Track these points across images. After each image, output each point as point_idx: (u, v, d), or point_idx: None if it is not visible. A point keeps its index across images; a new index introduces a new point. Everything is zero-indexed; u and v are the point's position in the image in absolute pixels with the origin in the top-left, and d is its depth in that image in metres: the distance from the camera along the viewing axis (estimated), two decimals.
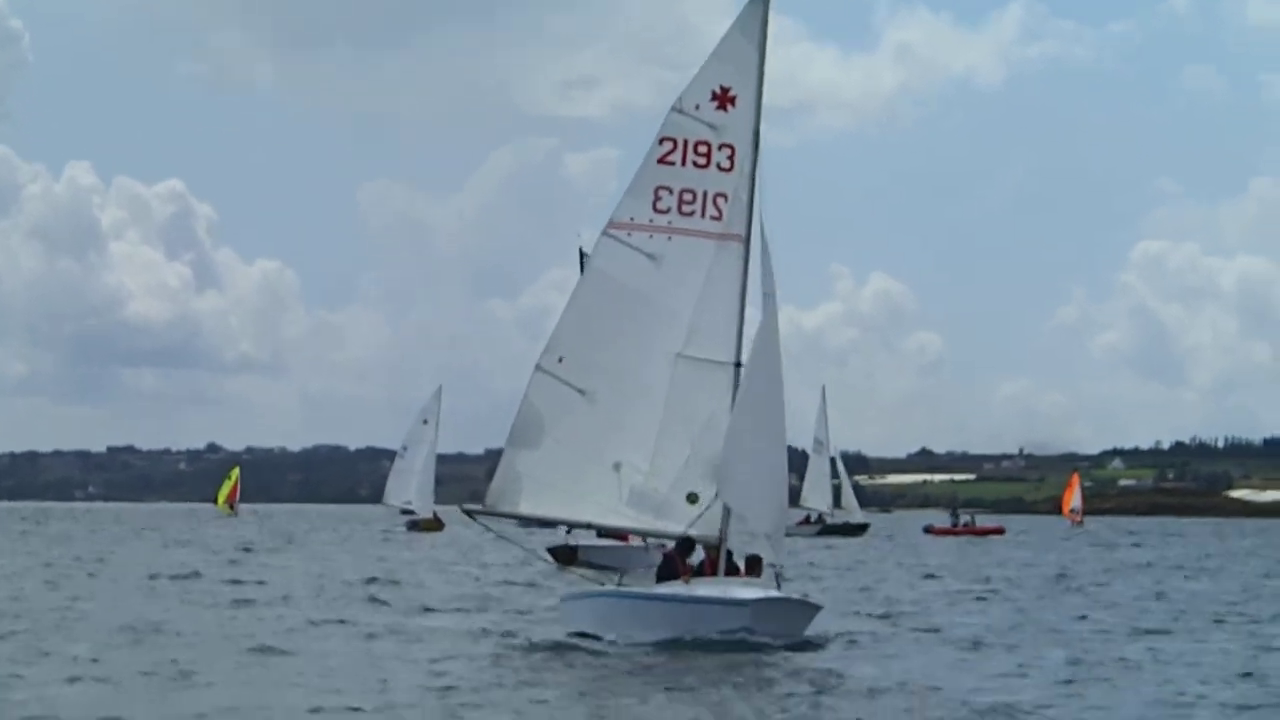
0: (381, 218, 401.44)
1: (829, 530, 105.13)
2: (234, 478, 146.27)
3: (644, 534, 31.12)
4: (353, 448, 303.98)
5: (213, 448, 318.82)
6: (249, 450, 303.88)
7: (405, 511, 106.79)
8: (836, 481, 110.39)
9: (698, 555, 29.50)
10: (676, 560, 29.28)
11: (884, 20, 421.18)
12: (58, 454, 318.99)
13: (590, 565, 55.18)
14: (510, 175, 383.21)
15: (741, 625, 27.24)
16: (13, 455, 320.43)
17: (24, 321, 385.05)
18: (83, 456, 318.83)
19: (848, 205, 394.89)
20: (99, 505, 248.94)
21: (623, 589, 29.82)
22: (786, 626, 27.63)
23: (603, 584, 30.89)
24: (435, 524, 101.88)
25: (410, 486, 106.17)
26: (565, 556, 56.35)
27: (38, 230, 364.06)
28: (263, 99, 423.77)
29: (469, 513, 31.10)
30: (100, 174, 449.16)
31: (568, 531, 56.10)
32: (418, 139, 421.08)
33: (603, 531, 56.49)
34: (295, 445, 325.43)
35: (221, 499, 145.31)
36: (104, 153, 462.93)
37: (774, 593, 27.96)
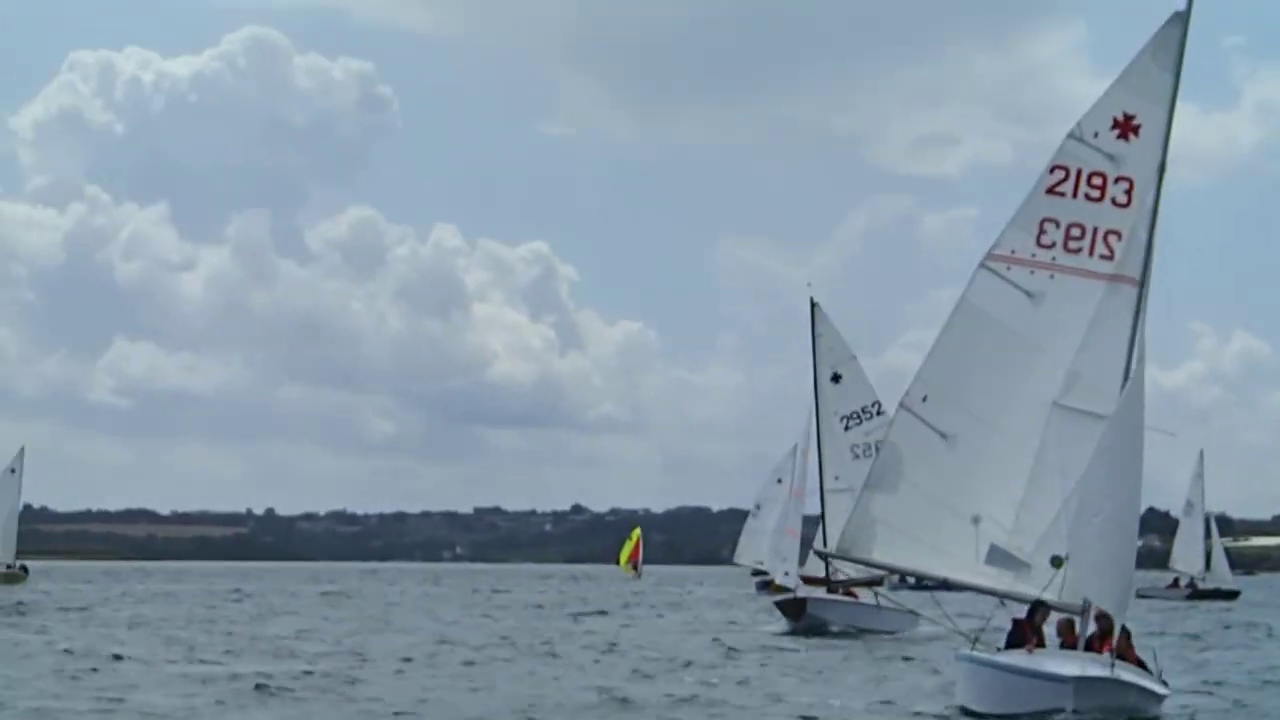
0: (738, 275, 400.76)
1: (1199, 595, 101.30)
2: (635, 538, 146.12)
3: (1001, 596, 28.61)
4: (715, 509, 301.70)
5: (577, 509, 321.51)
6: (613, 511, 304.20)
7: (757, 573, 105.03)
8: (1207, 544, 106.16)
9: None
10: (1025, 627, 26.89)
11: (1243, 77, 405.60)
12: (425, 515, 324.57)
13: (818, 622, 52.98)
14: (866, 233, 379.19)
15: (1061, 705, 24.55)
16: (381, 516, 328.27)
17: (391, 382, 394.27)
18: (450, 517, 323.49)
19: (1209, 262, 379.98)
20: (468, 566, 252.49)
21: (968, 653, 27.46)
22: (1116, 709, 24.83)
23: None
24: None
25: (762, 547, 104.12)
26: (794, 611, 54.36)
27: (404, 292, 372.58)
28: (621, 158, 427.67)
29: (821, 555, 29.29)
30: (465, 236, 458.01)
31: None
32: (769, 193, 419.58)
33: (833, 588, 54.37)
34: (658, 506, 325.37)
35: (624, 559, 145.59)
36: (468, 215, 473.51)
37: (1102, 671, 25.05)
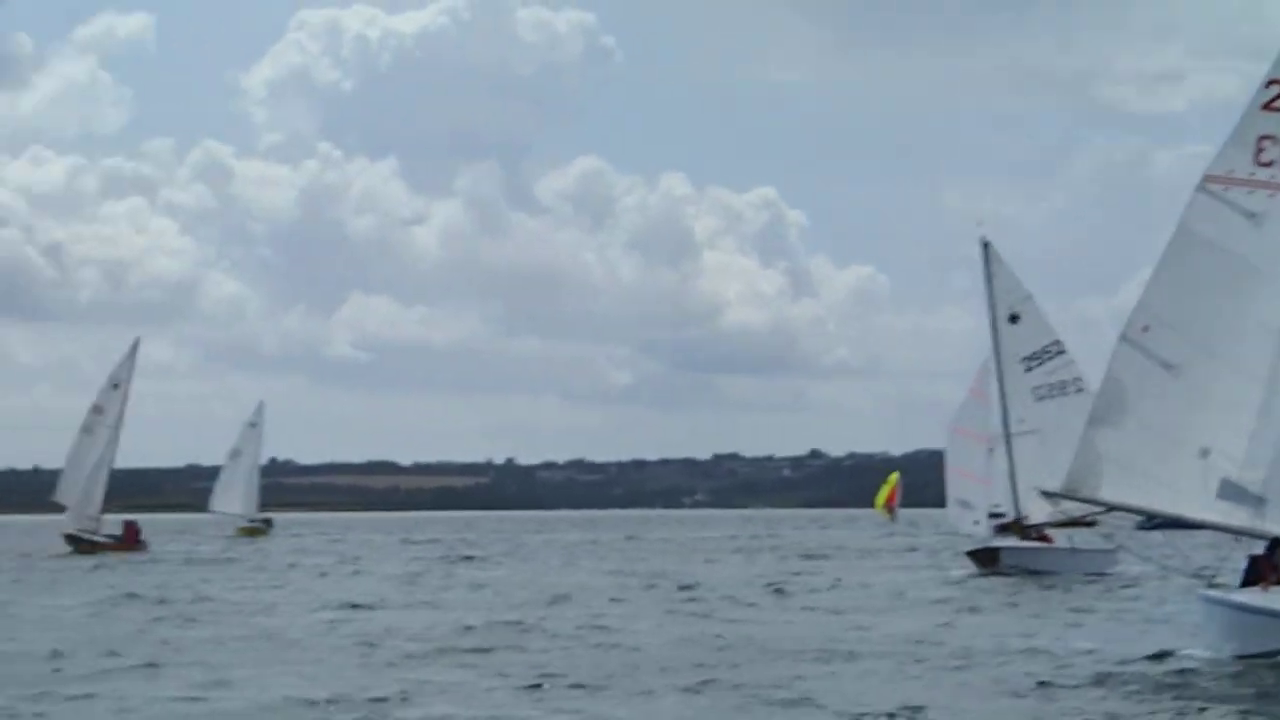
0: (964, 217, 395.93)
1: None
2: (892, 481, 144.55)
3: (1236, 532, 27.51)
4: None
5: (815, 454, 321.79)
6: (850, 456, 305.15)
7: (994, 515, 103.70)
8: None
9: None
10: (1263, 564, 25.86)
11: None
12: (664, 462, 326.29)
13: (1012, 569, 51.67)
14: (1097, 172, 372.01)
15: None
16: (620, 464, 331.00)
17: (627, 332, 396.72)
18: (689, 464, 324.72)
19: None
20: (707, 513, 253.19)
21: (1209, 594, 26.50)
22: None
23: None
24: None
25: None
26: (987, 560, 53.21)
27: (635, 241, 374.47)
28: (847, 102, 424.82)
29: (1048, 495, 28.47)
30: (693, 184, 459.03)
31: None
32: (997, 135, 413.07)
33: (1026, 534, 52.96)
34: (896, 449, 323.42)
35: (880, 502, 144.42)
36: (696, 163, 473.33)
37: None
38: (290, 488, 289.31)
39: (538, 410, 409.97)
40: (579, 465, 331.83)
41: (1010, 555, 52.91)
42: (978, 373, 56.59)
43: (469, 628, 32.76)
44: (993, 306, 55.10)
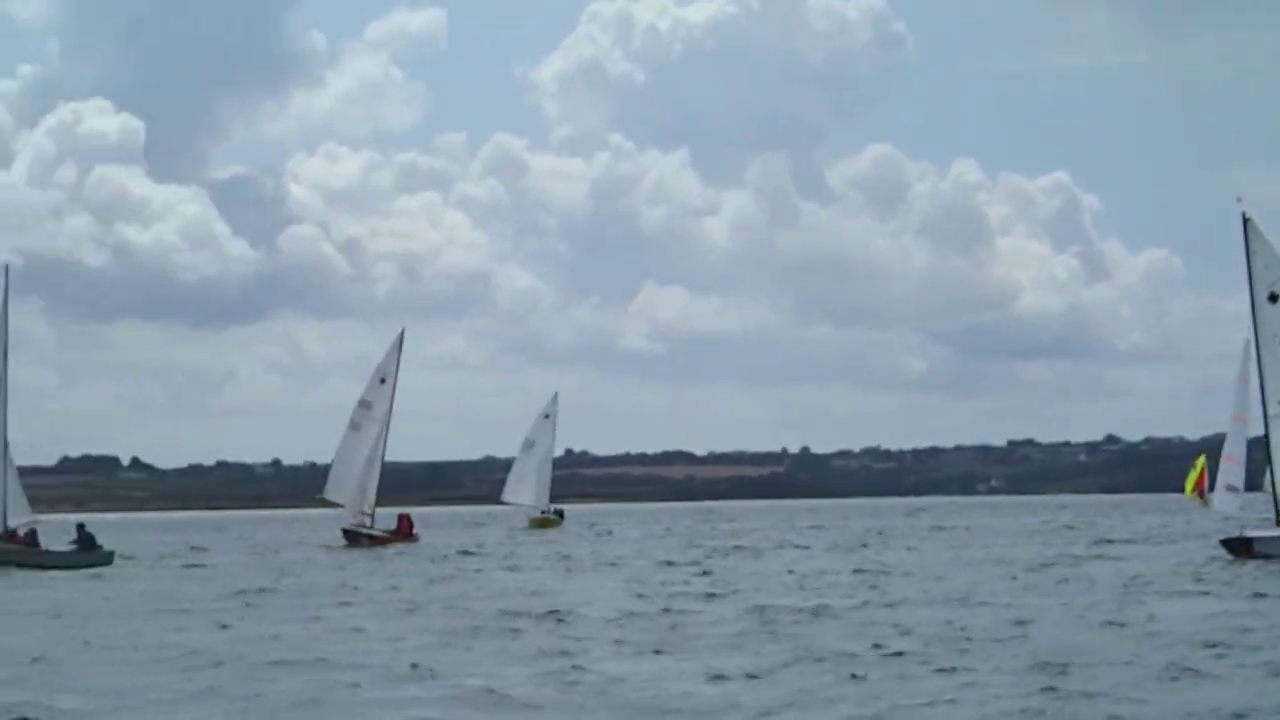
0: (1262, 200, 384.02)
1: None
2: (1199, 466, 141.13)
3: None
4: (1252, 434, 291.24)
5: (1110, 439, 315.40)
6: (1147, 441, 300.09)
7: None
8: None
9: None
10: None
11: None
12: (958, 449, 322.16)
13: (1268, 557, 49.39)
14: None
15: None
16: (915, 451, 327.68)
17: (919, 319, 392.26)
18: (983, 451, 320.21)
19: None
20: (1003, 499, 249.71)
21: None
22: None
23: None
24: None
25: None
26: (1241, 549, 50.68)
27: (927, 228, 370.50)
28: (1137, 85, 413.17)
29: None
30: (985, 170, 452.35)
31: None
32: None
33: None
34: (1193, 434, 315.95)
35: (1189, 487, 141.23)
36: (987, 149, 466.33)
37: None
38: (586, 479, 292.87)
39: (830, 398, 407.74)
40: (873, 453, 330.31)
41: (1265, 545, 50.66)
42: (1241, 354, 54.59)
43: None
44: (1252, 285, 52.88)
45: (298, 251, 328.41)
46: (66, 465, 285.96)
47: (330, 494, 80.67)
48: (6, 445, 59.58)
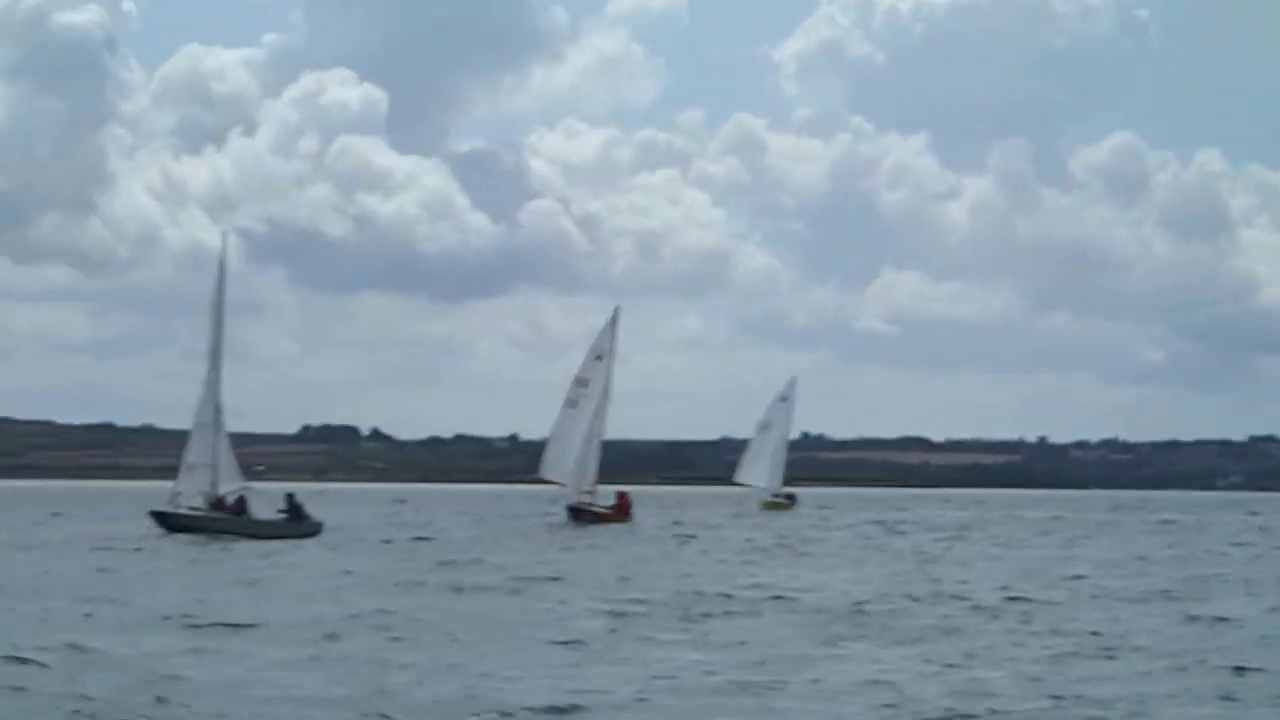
0: None
1: None
2: None
3: None
4: None
5: None
6: None
7: None
8: None
9: None
10: None
11: None
12: (1198, 443, 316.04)
13: None
14: None
15: None
16: (1154, 444, 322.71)
17: (1159, 310, 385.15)
18: (1223, 445, 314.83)
19: None
20: (1241, 495, 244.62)
21: None
22: None
23: None
24: None
25: None
26: None
27: (1168, 218, 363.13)
28: None
29: None
30: (1229, 160, 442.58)
31: None
32: None
33: None
34: None
35: None
36: (1233, 139, 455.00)
37: None
38: (822, 462, 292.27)
39: (1069, 388, 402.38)
40: (1111, 444, 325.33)
41: None
42: None
43: None
44: None
45: (537, 226, 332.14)
46: (308, 434, 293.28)
47: (547, 472, 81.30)
48: (220, 411, 61.01)
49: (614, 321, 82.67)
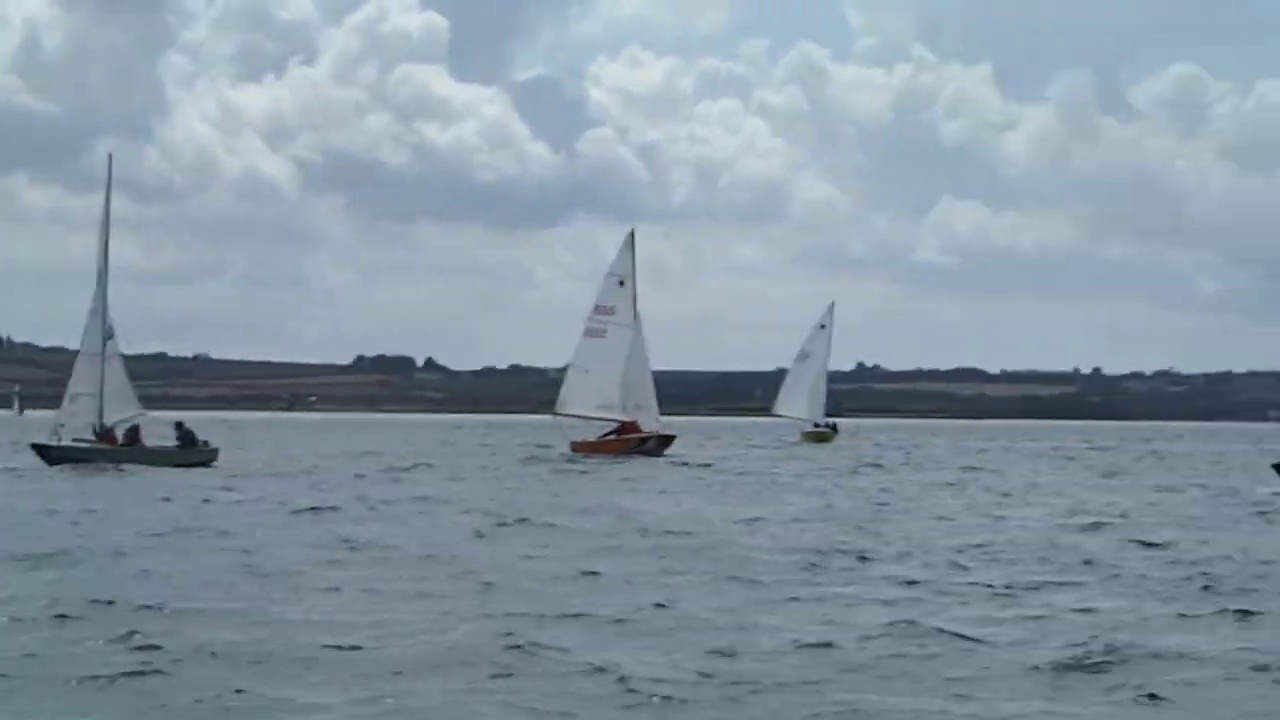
0: None
1: None
2: None
3: None
4: None
5: None
6: None
7: None
8: None
9: None
10: None
11: None
12: (1252, 375, 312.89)
13: None
14: None
15: None
16: (1207, 376, 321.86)
17: (1217, 240, 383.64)
18: (1278, 377, 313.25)
19: None
20: None
21: None
22: None
23: None
24: None
25: None
26: None
27: (1228, 149, 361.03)
28: None
29: None
30: None
31: None
32: None
33: None
34: None
35: None
36: None
37: None
38: (876, 393, 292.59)
39: (1125, 317, 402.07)
40: (1165, 376, 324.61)
41: None
42: None
43: None
44: None
45: (596, 155, 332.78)
46: (362, 364, 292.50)
47: (569, 405, 77.44)
48: (110, 337, 57.80)
49: (630, 244, 78.97)
